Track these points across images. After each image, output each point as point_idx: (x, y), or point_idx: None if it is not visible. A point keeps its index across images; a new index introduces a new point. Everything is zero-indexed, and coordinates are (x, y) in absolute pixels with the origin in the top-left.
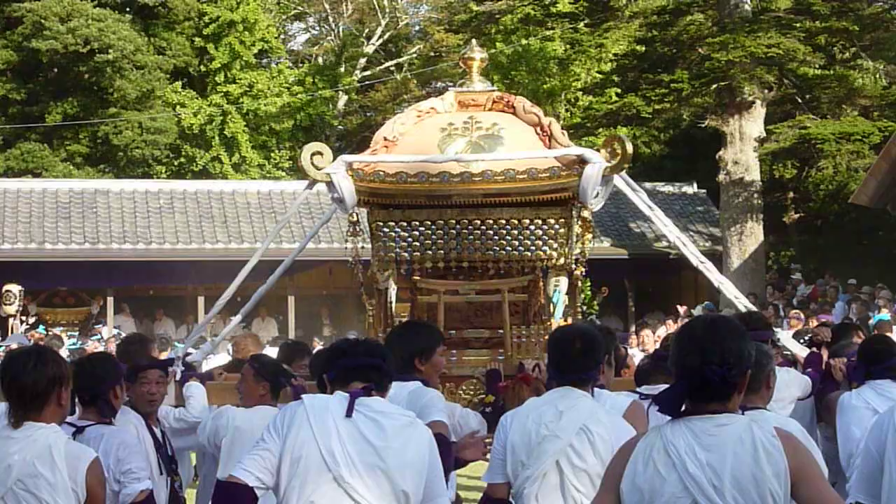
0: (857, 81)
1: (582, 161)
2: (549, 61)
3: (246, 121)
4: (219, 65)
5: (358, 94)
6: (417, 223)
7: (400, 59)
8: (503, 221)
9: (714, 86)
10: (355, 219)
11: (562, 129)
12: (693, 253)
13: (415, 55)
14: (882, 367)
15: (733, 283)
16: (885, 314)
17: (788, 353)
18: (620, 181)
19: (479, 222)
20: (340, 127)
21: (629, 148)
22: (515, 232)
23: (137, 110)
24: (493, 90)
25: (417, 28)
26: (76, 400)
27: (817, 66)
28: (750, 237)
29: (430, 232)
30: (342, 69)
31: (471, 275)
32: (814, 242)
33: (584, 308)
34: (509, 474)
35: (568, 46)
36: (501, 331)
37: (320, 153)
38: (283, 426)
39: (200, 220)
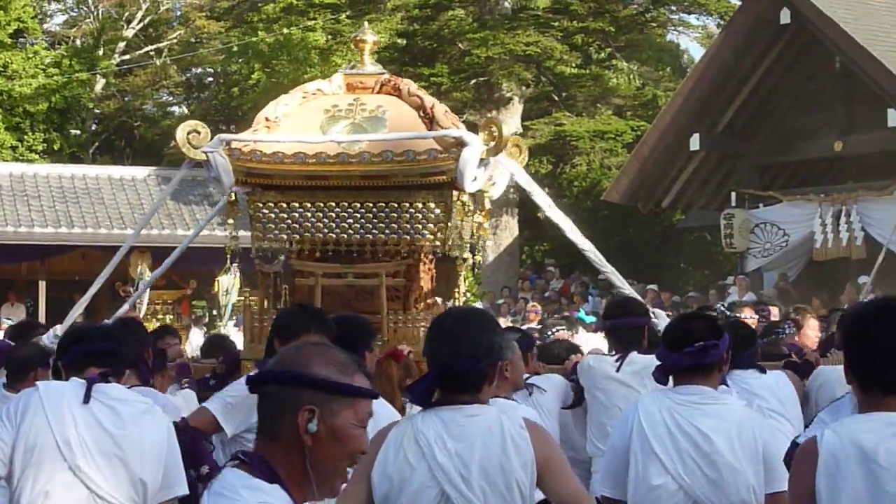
0: (611, 81)
1: (460, 144)
2: (310, 51)
3: None
4: None
5: (116, 77)
6: (297, 205)
7: (160, 44)
8: (382, 204)
9: (473, 81)
10: (234, 198)
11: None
12: (586, 246)
13: (175, 41)
14: (745, 354)
15: (488, 277)
16: (581, 313)
17: None
18: (521, 175)
19: (358, 205)
20: (97, 111)
21: (505, 131)
22: (395, 215)
23: None
24: (383, 73)
25: (179, 13)
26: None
27: (574, 65)
28: (505, 231)
29: (309, 214)
30: (100, 52)
31: (350, 258)
32: (567, 238)
33: (467, 295)
34: None
35: (330, 37)
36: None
37: (197, 131)
38: (17, 414)
39: None
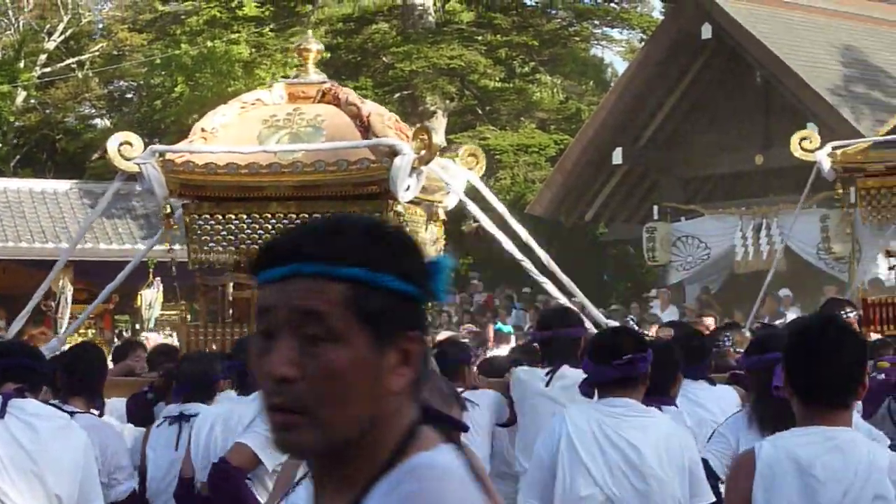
0: (535, 95)
1: (393, 152)
2: (234, 64)
3: None
4: None
5: (37, 90)
6: (233, 216)
7: (82, 57)
8: (318, 215)
9: (397, 94)
10: (169, 210)
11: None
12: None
13: (97, 53)
14: (697, 367)
15: None
16: (499, 324)
17: None
18: (459, 189)
19: (294, 216)
20: (18, 123)
21: (436, 139)
22: None
23: None
24: (325, 82)
25: (101, 26)
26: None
27: (498, 78)
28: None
29: (244, 226)
30: (21, 64)
31: None
32: (490, 251)
33: None
34: None
35: (253, 50)
36: None
37: (129, 143)
38: None
39: None
